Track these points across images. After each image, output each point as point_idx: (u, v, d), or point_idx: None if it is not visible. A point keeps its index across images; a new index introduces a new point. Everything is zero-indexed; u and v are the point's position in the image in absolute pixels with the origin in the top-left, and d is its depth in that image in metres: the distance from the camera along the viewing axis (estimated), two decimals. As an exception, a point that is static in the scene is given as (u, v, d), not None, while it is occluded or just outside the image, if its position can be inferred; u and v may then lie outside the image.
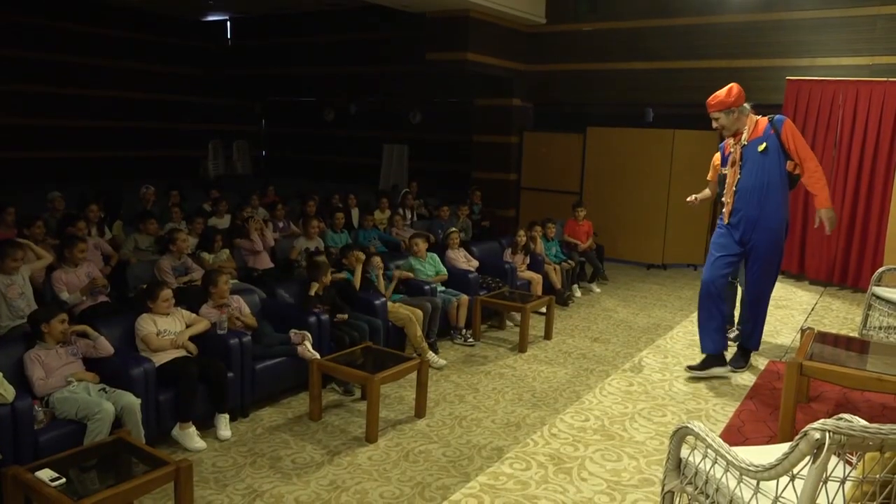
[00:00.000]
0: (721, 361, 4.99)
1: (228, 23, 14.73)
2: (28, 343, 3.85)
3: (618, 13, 9.71)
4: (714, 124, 4.70)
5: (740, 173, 4.64)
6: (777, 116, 4.59)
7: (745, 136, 4.61)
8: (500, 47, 9.90)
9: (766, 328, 6.15)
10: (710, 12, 8.96)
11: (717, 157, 5.08)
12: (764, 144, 4.52)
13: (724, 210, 4.81)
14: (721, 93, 4.60)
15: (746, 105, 4.66)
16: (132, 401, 3.72)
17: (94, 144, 13.13)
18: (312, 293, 5.18)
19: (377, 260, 5.93)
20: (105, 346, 4.01)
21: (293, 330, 4.85)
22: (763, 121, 4.60)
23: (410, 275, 6.25)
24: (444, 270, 6.54)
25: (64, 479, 2.92)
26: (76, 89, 12.79)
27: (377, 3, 9.19)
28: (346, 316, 5.24)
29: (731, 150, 4.71)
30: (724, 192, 4.78)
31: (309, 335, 4.83)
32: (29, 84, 12.10)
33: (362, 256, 5.85)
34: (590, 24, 9.95)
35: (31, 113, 12.19)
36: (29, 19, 11.96)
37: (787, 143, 4.52)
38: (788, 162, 4.57)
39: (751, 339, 5.13)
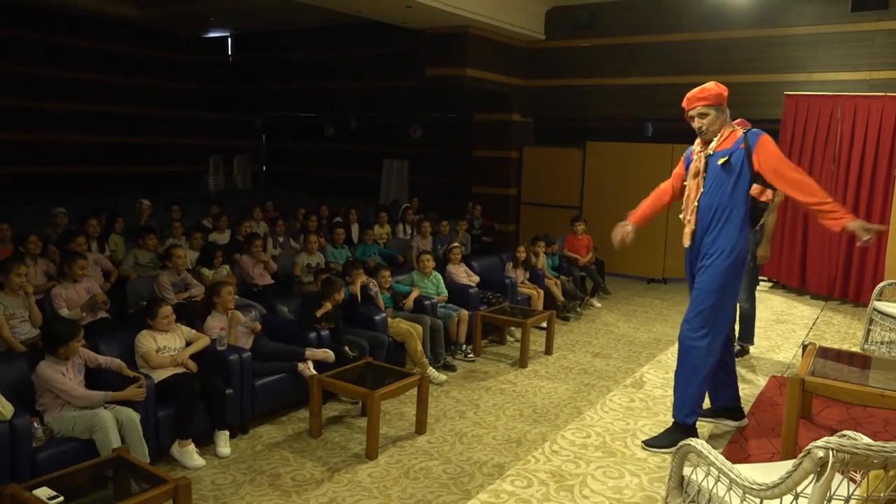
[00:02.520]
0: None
1: (229, 39, 14.83)
2: (36, 357, 3.80)
3: (616, 29, 9.77)
4: (696, 123, 3.90)
5: (703, 186, 3.89)
6: (753, 129, 3.85)
7: (714, 144, 3.87)
8: (499, 63, 9.96)
9: (766, 343, 6.15)
10: (708, 28, 9.01)
11: (681, 164, 4.17)
12: (725, 158, 3.79)
13: (685, 231, 4.01)
14: (710, 85, 3.91)
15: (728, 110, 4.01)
16: (132, 416, 3.70)
17: (95, 160, 13.17)
18: (320, 314, 5.16)
19: (376, 280, 5.95)
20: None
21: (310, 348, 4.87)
22: (738, 133, 3.85)
23: (418, 292, 6.21)
24: (445, 292, 6.50)
25: (62, 498, 2.90)
26: (78, 105, 12.85)
27: (377, 19, 9.25)
28: (351, 353, 5.11)
29: (696, 157, 3.97)
30: (683, 207, 4.02)
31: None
32: (30, 99, 12.15)
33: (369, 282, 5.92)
34: (588, 40, 10.01)
35: (32, 128, 12.24)
36: (30, 35, 12.04)
37: (758, 162, 3.73)
38: (754, 186, 3.80)
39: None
